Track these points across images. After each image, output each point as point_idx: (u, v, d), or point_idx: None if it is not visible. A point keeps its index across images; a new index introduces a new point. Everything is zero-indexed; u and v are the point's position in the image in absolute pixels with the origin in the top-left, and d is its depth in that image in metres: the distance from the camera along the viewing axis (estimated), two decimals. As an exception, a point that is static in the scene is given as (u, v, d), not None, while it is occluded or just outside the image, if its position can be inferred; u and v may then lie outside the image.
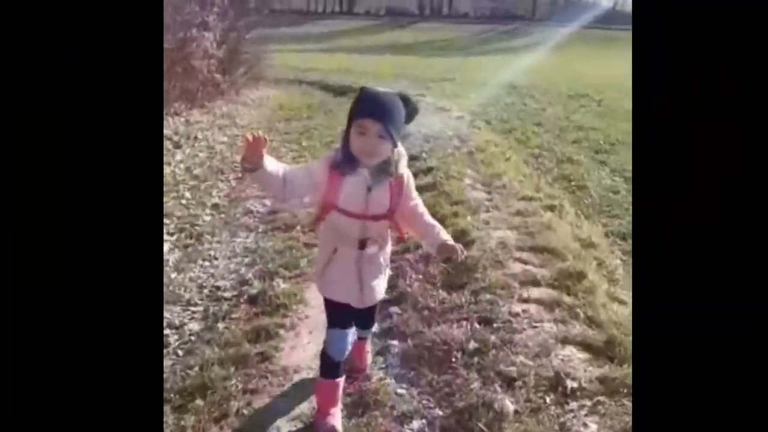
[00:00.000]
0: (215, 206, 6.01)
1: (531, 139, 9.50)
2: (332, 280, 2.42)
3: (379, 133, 2.10)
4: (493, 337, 3.02)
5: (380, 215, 2.29)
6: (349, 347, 2.56)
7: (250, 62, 14.60)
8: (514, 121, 10.95)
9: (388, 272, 2.54)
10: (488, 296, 3.48)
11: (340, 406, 2.64)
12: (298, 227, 5.24)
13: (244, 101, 14.77)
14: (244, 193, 6.48)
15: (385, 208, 2.28)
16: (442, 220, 4.98)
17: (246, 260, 4.66)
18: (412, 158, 7.30)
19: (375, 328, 3.13)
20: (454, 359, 2.91)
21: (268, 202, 6.21)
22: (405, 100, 2.20)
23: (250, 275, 4.31)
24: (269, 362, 3.11)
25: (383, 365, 3.06)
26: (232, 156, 8.23)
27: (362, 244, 2.33)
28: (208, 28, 10.28)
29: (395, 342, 3.24)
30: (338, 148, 2.26)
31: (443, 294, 3.65)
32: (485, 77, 19.72)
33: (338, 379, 2.57)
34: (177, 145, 8.49)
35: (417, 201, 2.43)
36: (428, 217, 2.44)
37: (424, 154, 7.38)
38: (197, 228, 5.30)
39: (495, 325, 3.16)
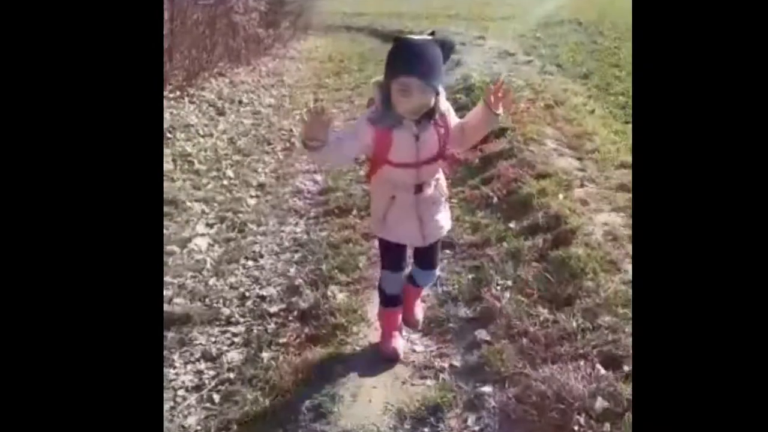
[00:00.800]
0: (261, 186, 5.30)
1: (612, 84, 8.39)
2: (393, 224, 2.44)
3: (423, 88, 2.09)
4: (628, 390, 2.22)
5: (432, 158, 2.30)
6: (402, 284, 2.70)
7: (294, 12, 13.71)
8: (589, 64, 9.81)
9: (447, 206, 2.59)
10: (608, 318, 2.66)
11: (401, 330, 2.85)
12: (354, 212, 4.49)
13: (291, 55, 14.00)
14: (293, 168, 5.75)
15: (435, 151, 2.29)
16: (526, 201, 4.26)
17: (296, 256, 3.96)
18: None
19: (458, 360, 2.75)
20: (576, 427, 2.13)
21: (319, 177, 5.48)
22: (441, 43, 2.13)
23: (300, 280, 3.60)
24: (324, 421, 2.40)
25: (475, 428, 2.32)
26: (279, 122, 7.49)
27: (419, 188, 2.36)
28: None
29: (488, 389, 2.47)
30: (374, 104, 2.25)
31: (545, 312, 2.85)
32: (547, 13, 18.31)
33: (397, 308, 2.77)
34: (220, 112, 7.80)
35: (456, 119, 2.41)
36: (465, 118, 2.41)
37: (493, 111, 6.47)
38: (240, 215, 4.61)
39: (626, 368, 2.35)
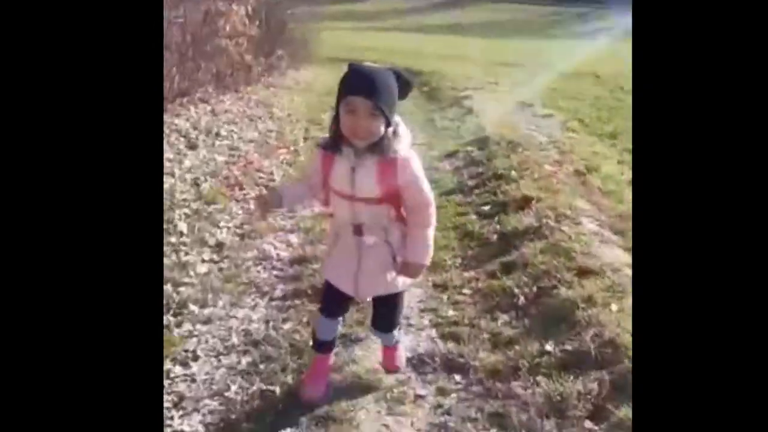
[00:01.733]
0: (218, 247, 4.20)
1: (644, 148, 7.37)
2: (333, 264, 2.42)
3: (370, 111, 2.02)
4: None
5: (372, 199, 2.19)
6: (337, 332, 2.64)
7: (293, 41, 12.81)
8: (616, 122, 8.83)
9: (394, 272, 2.33)
10: None
11: (329, 377, 2.67)
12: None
13: (287, 84, 13.02)
14: (264, 223, 4.67)
15: (374, 192, 2.17)
16: (566, 310, 3.13)
17: (243, 362, 2.86)
18: (497, 177, 5.38)
19: None
20: None
21: (295, 239, 4.40)
22: (397, 74, 2.10)
23: (240, 407, 2.51)
24: None
25: None
26: (259, 161, 6.42)
27: (357, 230, 2.27)
28: (239, 1, 8.44)
29: None
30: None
31: None
32: (561, 64, 17.47)
33: (327, 355, 2.65)
34: (191, 145, 6.73)
35: (424, 202, 2.23)
36: (428, 232, 2.28)
37: (512, 172, 5.43)
38: (181, 291, 3.50)
39: None
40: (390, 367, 2.72)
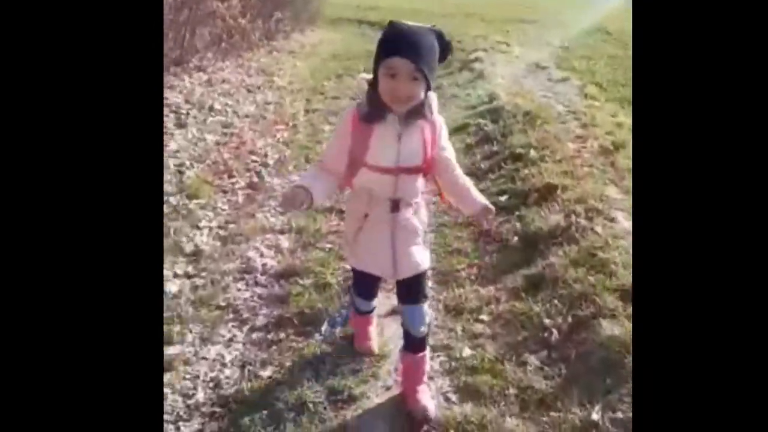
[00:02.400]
0: (195, 256, 3.48)
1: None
2: (364, 250, 2.14)
3: (412, 73, 1.82)
4: None
5: (413, 168, 2.00)
6: (374, 306, 2.57)
7: (296, 2, 11.87)
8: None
9: (425, 245, 2.20)
10: None
11: (375, 330, 2.64)
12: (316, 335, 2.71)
13: (291, 48, 12.13)
14: (252, 221, 3.94)
15: (418, 159, 1.99)
16: (615, 360, 2.28)
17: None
18: (515, 158, 4.62)
19: None
20: None
21: (286, 242, 3.68)
22: (439, 35, 1.87)
23: None
24: None
25: None
26: (253, 141, 5.66)
27: (395, 206, 2.04)
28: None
29: None
30: (360, 99, 1.99)
31: None
32: (573, 18, 16.37)
33: (370, 315, 2.60)
34: (180, 123, 5.96)
35: (449, 152, 2.12)
36: (462, 176, 2.16)
37: (531, 152, 4.64)
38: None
39: None
40: (417, 407, 2.23)
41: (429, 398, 2.28)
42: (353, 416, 2.24)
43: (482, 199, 2.14)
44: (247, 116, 6.55)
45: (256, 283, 3.24)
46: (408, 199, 2.06)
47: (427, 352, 2.31)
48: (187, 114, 6.28)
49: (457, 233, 3.73)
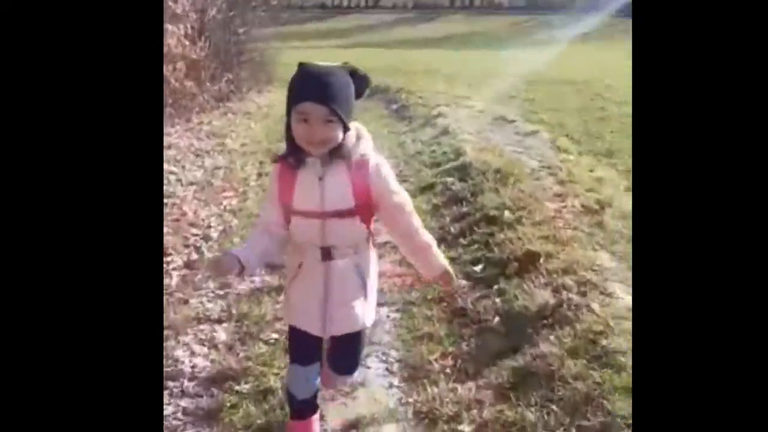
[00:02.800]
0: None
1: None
2: (295, 302, 2.01)
3: (324, 117, 1.75)
4: None
5: (343, 211, 1.87)
6: (316, 384, 2.07)
7: (252, 62, 11.49)
8: (608, 136, 7.60)
9: (373, 295, 2.04)
10: None
11: None
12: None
13: (247, 109, 11.70)
14: (186, 308, 3.33)
15: (347, 202, 1.86)
16: None
17: None
18: (488, 221, 4.12)
19: None
20: None
21: (224, 334, 3.08)
22: (352, 72, 1.83)
23: None
24: None
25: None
26: (196, 212, 5.08)
27: (326, 254, 1.91)
28: (176, 19, 7.04)
29: None
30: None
31: None
32: (538, 73, 16.29)
33: (307, 421, 2.10)
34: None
35: (401, 198, 1.97)
36: (420, 230, 2.02)
37: (506, 213, 4.15)
38: None
39: None
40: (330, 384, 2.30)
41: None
42: None
43: (443, 261, 2.04)
44: (192, 183, 5.98)
45: (183, 393, 2.61)
46: (341, 247, 1.92)
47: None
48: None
49: (426, 311, 3.17)
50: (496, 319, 2.97)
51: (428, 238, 2.05)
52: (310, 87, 1.75)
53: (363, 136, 1.90)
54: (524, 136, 7.39)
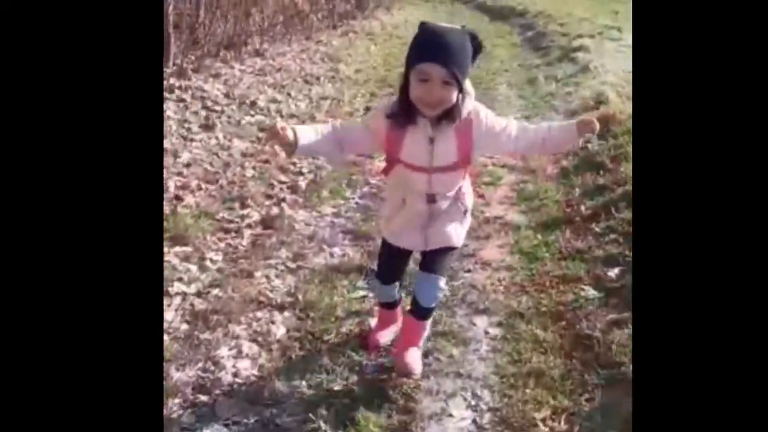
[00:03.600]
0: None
1: None
2: (398, 229, 2.15)
3: (443, 78, 1.77)
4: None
5: (449, 166, 1.97)
6: (399, 292, 2.40)
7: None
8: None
9: (467, 222, 2.18)
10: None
11: (397, 326, 2.41)
12: None
13: (370, 29, 10.95)
14: (243, 288, 2.77)
15: (452, 159, 1.96)
16: None
17: None
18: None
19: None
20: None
21: (280, 330, 2.49)
22: (472, 36, 1.85)
23: None
24: None
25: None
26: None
27: (431, 199, 2.04)
28: None
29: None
30: (393, 98, 2.00)
31: None
32: None
33: (392, 310, 2.42)
34: (207, 125, 4.87)
35: (505, 124, 2.01)
36: (533, 128, 2.08)
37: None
38: None
39: None
40: (400, 364, 2.17)
41: (416, 359, 2.22)
42: None
43: (572, 127, 2.04)
44: (293, 116, 5.39)
45: (212, 414, 2.06)
46: (444, 193, 2.04)
47: (429, 323, 2.28)
48: (222, 112, 5.20)
49: (538, 331, 2.41)
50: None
51: (539, 125, 2.10)
52: (433, 48, 1.77)
53: (469, 93, 1.91)
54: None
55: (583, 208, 3.40)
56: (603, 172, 3.75)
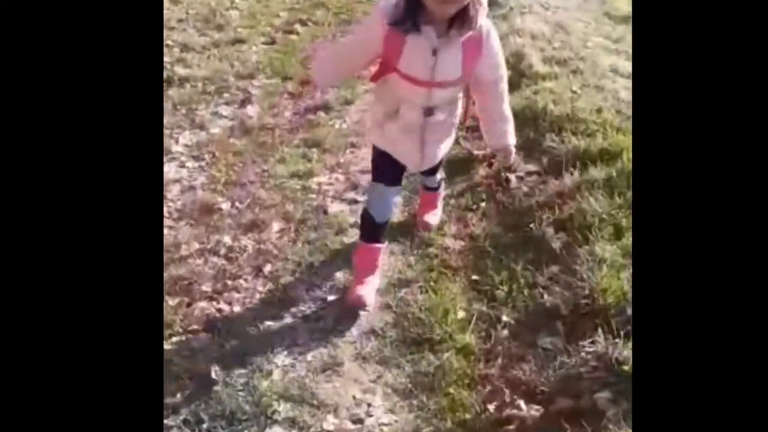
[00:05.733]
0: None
1: None
2: (392, 138, 2.05)
3: None
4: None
5: (451, 81, 1.89)
6: (393, 208, 2.27)
7: None
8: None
9: (454, 133, 2.18)
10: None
11: (378, 276, 2.22)
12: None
13: None
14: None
15: (456, 73, 1.87)
16: None
17: None
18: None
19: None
20: None
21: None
22: None
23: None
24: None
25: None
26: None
27: (428, 112, 1.96)
28: None
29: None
30: None
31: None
32: None
33: (378, 245, 2.19)
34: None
35: (500, 75, 1.99)
36: (504, 106, 2.07)
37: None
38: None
39: None
40: (422, 222, 2.52)
41: (434, 217, 2.53)
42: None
43: (513, 138, 2.11)
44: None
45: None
46: (442, 105, 1.98)
47: (441, 190, 2.59)
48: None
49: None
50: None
51: (509, 113, 2.10)
52: None
53: (483, 4, 1.79)
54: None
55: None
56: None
